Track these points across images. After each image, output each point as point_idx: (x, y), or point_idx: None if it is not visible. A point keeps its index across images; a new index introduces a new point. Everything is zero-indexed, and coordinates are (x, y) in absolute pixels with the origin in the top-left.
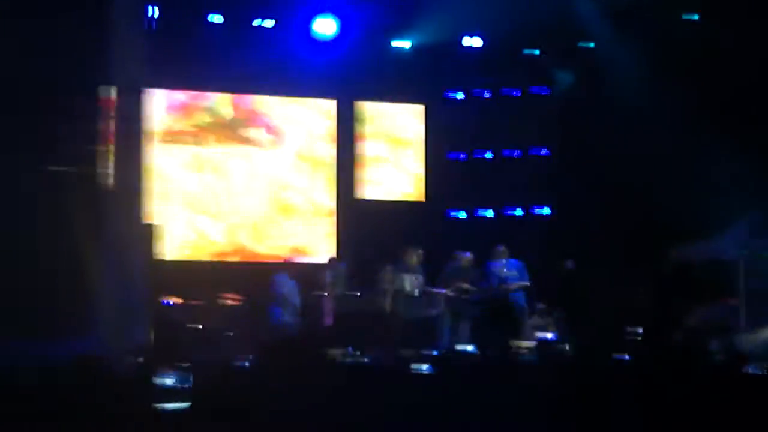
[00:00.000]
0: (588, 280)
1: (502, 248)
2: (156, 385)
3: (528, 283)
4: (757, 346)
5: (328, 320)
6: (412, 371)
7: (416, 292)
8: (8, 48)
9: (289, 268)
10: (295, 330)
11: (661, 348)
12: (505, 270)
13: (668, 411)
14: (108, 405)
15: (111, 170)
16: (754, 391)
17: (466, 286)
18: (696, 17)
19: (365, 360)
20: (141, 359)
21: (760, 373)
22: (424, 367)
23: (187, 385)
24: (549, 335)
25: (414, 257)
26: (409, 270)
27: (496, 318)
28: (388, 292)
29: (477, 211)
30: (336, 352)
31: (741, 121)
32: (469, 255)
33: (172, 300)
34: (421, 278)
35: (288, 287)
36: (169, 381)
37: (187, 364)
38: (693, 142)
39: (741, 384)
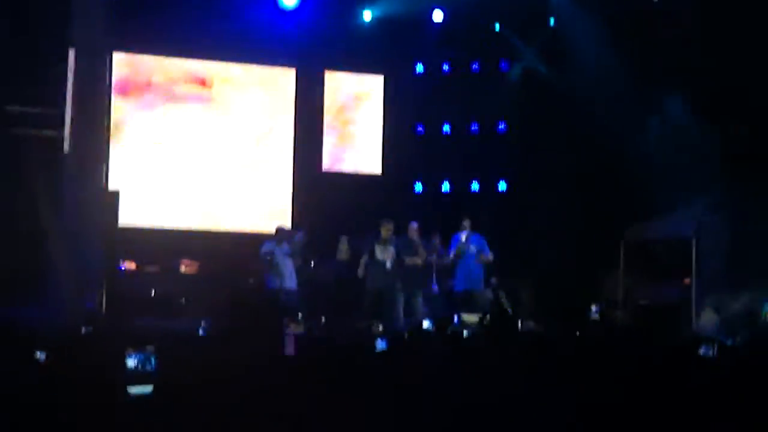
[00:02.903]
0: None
1: (466, 221)
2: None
3: (490, 257)
4: (711, 325)
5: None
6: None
7: (388, 264)
8: None
9: (246, 238)
10: (295, 298)
11: (614, 327)
12: (465, 242)
13: (615, 394)
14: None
15: (71, 134)
16: (706, 372)
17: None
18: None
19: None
20: (90, 328)
21: (711, 355)
22: (380, 344)
23: (149, 368)
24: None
25: (385, 229)
26: (381, 241)
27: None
28: (361, 260)
29: (435, 184)
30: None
31: (699, 98)
32: (414, 225)
33: (128, 266)
34: (392, 250)
35: (279, 253)
36: (131, 362)
37: (151, 347)
38: (650, 119)
39: (693, 365)
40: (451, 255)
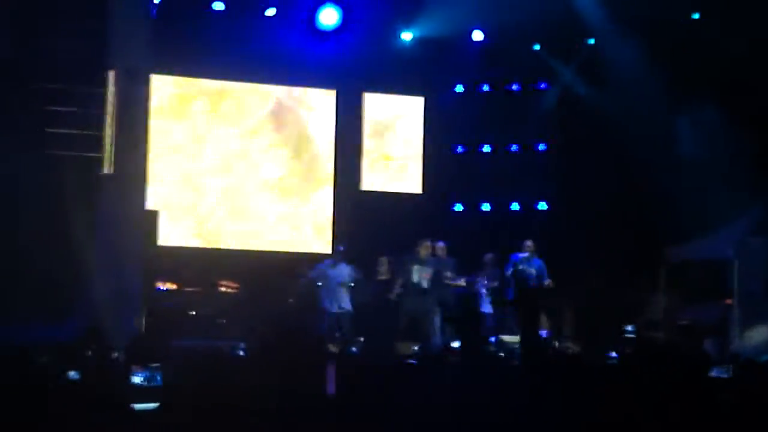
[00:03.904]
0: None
1: (529, 243)
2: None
3: (548, 283)
4: (753, 346)
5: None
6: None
7: (424, 284)
8: (11, 30)
9: (286, 258)
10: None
11: (652, 347)
12: (524, 264)
13: (647, 411)
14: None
15: (112, 155)
16: (717, 394)
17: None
18: (696, 16)
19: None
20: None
21: (726, 377)
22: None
23: (154, 384)
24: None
25: (424, 249)
26: (418, 261)
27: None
28: (397, 282)
29: (475, 204)
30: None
31: (740, 116)
32: (441, 244)
33: (167, 286)
34: (430, 270)
35: (332, 274)
36: (137, 379)
37: (157, 365)
38: (691, 139)
39: (706, 387)
40: (508, 273)
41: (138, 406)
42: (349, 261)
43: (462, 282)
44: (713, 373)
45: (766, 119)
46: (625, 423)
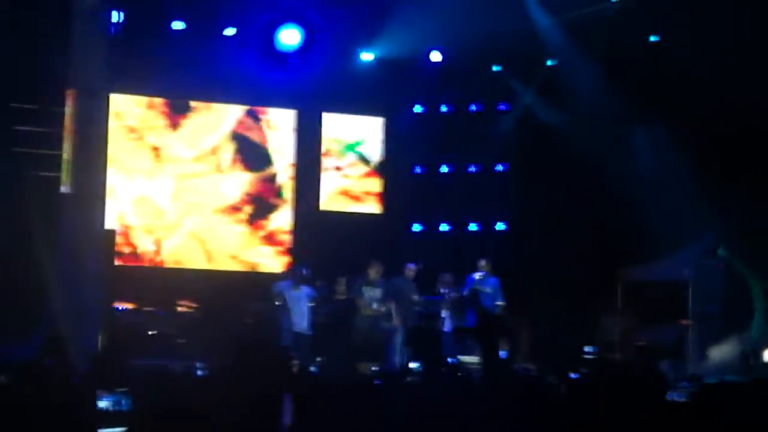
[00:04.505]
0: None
1: (483, 262)
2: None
3: (502, 303)
4: (715, 365)
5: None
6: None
7: (374, 305)
8: None
9: (244, 278)
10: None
11: (609, 369)
12: (480, 284)
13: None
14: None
15: (71, 174)
16: (677, 418)
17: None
18: (656, 39)
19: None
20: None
21: (683, 400)
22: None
23: (123, 408)
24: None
25: (374, 271)
26: (368, 283)
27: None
28: (347, 302)
29: (434, 224)
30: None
31: (698, 143)
32: (412, 266)
33: (126, 306)
34: (379, 291)
35: (293, 294)
36: (104, 404)
37: (124, 389)
38: (649, 163)
39: (663, 410)
40: (465, 293)
41: None
42: (311, 283)
43: (416, 297)
44: (670, 397)
45: (729, 146)
46: None
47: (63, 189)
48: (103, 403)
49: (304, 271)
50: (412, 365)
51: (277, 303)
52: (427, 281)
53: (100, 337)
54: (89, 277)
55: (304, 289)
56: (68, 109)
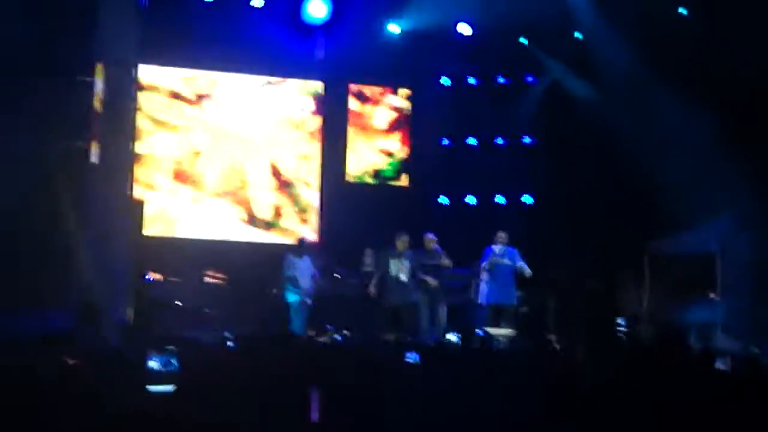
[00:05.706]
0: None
1: (502, 234)
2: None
3: (528, 272)
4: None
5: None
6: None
7: (402, 277)
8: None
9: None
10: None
11: (637, 341)
12: (499, 256)
13: (641, 407)
14: (90, 385)
15: (99, 145)
16: (722, 386)
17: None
18: (685, 12)
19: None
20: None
21: (727, 370)
22: (411, 357)
23: (172, 369)
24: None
25: (401, 243)
26: (395, 255)
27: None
28: (374, 276)
29: (460, 197)
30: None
31: (727, 115)
32: (430, 236)
33: (154, 276)
34: (407, 263)
35: (299, 268)
36: (153, 364)
37: (171, 347)
38: (677, 134)
39: (711, 380)
40: (484, 266)
41: (153, 389)
42: (311, 252)
43: (446, 261)
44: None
45: (759, 119)
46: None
47: (92, 159)
48: (152, 363)
49: (305, 241)
50: (450, 337)
51: (288, 273)
52: (451, 253)
53: (130, 308)
54: (118, 248)
55: (306, 259)
56: (97, 80)
